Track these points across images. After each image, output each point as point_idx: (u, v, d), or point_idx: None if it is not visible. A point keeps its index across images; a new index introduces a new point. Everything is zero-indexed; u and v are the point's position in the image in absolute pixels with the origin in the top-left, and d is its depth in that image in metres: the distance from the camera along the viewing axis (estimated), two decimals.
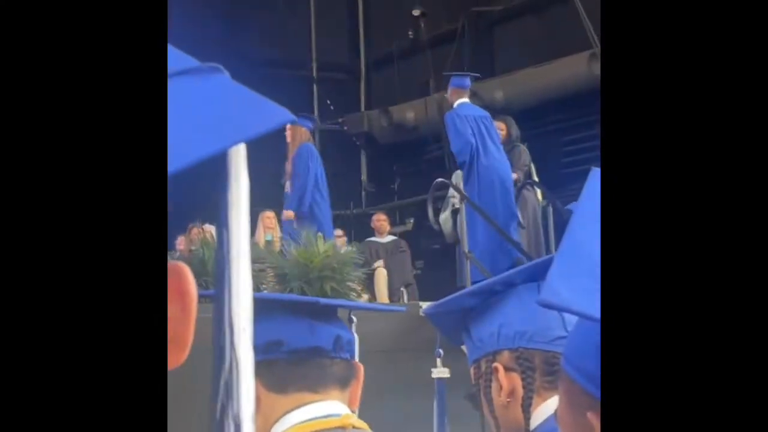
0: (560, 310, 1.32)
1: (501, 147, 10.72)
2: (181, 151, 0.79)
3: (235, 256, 0.85)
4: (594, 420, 1.24)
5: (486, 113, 10.84)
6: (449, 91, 11.02)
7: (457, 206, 10.63)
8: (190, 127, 0.81)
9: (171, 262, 0.90)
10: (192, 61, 0.89)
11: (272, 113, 0.85)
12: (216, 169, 0.86)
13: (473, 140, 10.49)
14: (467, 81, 11.09)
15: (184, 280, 0.91)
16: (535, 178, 11.46)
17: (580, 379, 1.33)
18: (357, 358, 2.18)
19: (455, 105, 10.76)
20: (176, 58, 0.88)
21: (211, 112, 0.84)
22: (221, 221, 0.86)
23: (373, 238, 13.62)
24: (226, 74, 0.88)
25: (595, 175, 1.29)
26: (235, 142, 0.83)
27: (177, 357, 0.92)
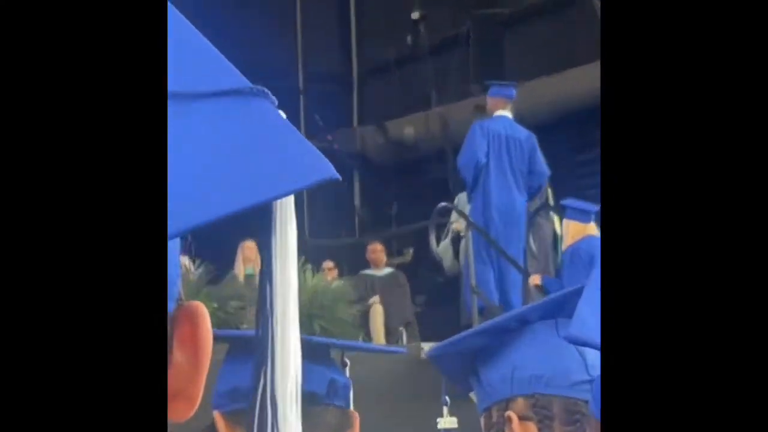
0: (591, 346, 1.31)
1: (522, 175, 10.64)
2: (222, 197, 0.81)
3: (283, 295, 0.88)
4: None
5: (525, 134, 10.73)
6: (488, 100, 10.99)
7: (460, 233, 10.64)
8: (231, 163, 0.83)
9: (187, 303, 0.91)
10: (240, 79, 0.90)
11: (317, 166, 0.85)
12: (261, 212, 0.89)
13: (484, 159, 10.46)
14: (511, 90, 11.03)
15: (199, 327, 0.91)
16: (551, 202, 11.46)
17: None
18: (352, 406, 2.18)
19: (493, 116, 10.74)
20: (224, 71, 0.90)
21: (256, 149, 0.85)
22: (266, 269, 0.88)
23: (367, 271, 13.59)
24: (274, 101, 0.90)
25: None
26: (278, 196, 0.86)
27: (184, 411, 0.92)
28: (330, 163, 0.86)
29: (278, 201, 0.88)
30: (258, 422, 0.88)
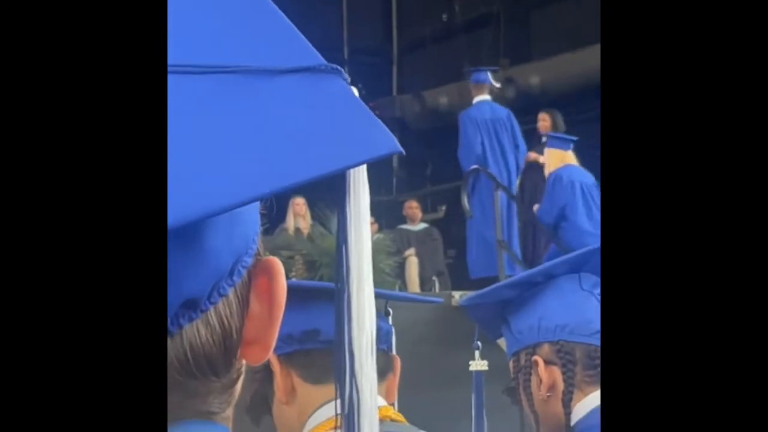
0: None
1: (516, 150, 10.62)
2: (292, 166, 0.81)
3: (356, 266, 0.88)
4: None
5: (505, 112, 10.70)
6: (471, 87, 10.95)
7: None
8: (307, 135, 0.84)
9: (264, 259, 0.92)
10: (316, 57, 0.90)
11: (384, 140, 0.86)
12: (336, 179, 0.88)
13: (480, 150, 10.42)
14: (485, 75, 10.98)
15: (275, 281, 0.91)
16: None
17: None
18: (394, 350, 2.17)
19: (473, 102, 10.68)
20: (299, 49, 0.90)
21: (329, 124, 0.85)
22: (342, 231, 0.88)
23: (404, 226, 13.60)
24: (346, 78, 0.90)
25: None
26: (348, 167, 0.86)
27: (260, 356, 0.92)
28: (394, 138, 0.86)
29: (352, 169, 0.87)
30: (337, 371, 0.88)
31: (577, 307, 2.32)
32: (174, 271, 0.80)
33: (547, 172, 10.17)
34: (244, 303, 0.89)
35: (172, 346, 0.85)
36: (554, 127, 11.12)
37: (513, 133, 10.93)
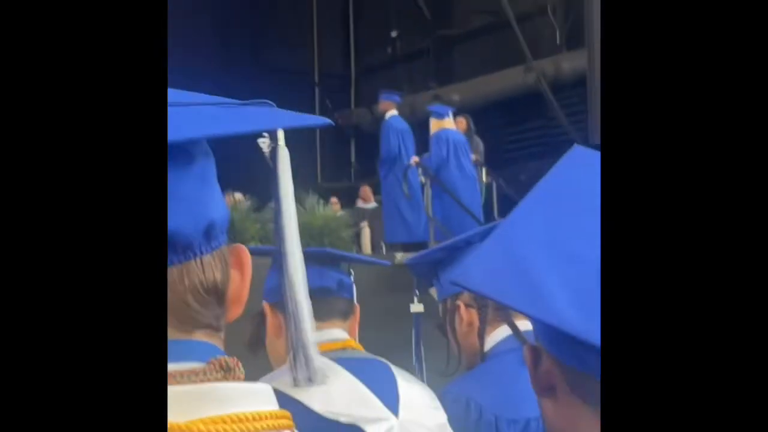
0: (471, 291, 1.13)
1: (413, 151, 10.67)
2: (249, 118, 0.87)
3: (287, 224, 0.92)
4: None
5: (407, 127, 10.73)
6: (380, 103, 10.96)
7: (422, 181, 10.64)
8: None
9: (232, 245, 0.94)
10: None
11: (316, 118, 0.91)
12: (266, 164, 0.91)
13: (396, 150, 10.47)
14: (397, 97, 11.06)
15: (243, 256, 0.95)
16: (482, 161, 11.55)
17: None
18: (356, 299, 2.18)
19: (387, 116, 10.69)
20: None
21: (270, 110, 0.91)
22: (277, 205, 0.92)
23: (360, 205, 13.61)
24: (273, 106, 0.94)
25: (573, 153, 1.02)
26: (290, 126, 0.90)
27: (236, 311, 0.95)
28: (324, 118, 0.94)
29: (280, 162, 0.91)
30: (286, 311, 0.93)
31: None
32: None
33: (430, 134, 10.40)
34: (226, 268, 0.92)
35: (194, 272, 0.88)
36: (468, 127, 11.20)
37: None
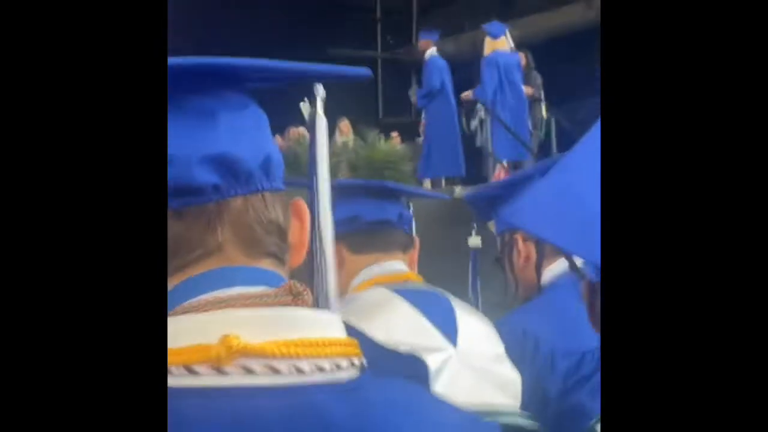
0: (523, 230, 1.11)
1: (451, 94, 10.50)
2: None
3: (322, 198, 0.98)
4: None
5: (446, 64, 10.55)
6: (420, 42, 10.89)
7: (482, 117, 10.54)
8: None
9: (293, 200, 0.98)
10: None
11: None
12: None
13: (438, 85, 10.33)
14: (436, 35, 10.93)
15: (302, 208, 0.99)
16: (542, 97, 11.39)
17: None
18: (414, 232, 2.19)
19: (427, 55, 10.57)
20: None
21: None
22: (312, 148, 0.97)
23: (420, 139, 13.54)
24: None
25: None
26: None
27: (298, 257, 0.98)
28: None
29: (317, 132, 0.96)
30: (314, 250, 0.98)
31: None
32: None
33: (484, 55, 10.12)
34: (287, 212, 0.96)
35: (258, 206, 0.91)
36: (528, 63, 11.00)
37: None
